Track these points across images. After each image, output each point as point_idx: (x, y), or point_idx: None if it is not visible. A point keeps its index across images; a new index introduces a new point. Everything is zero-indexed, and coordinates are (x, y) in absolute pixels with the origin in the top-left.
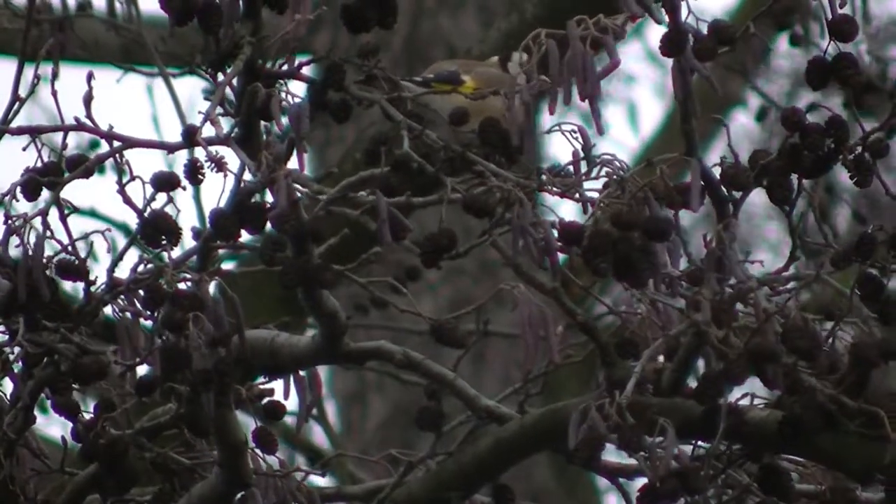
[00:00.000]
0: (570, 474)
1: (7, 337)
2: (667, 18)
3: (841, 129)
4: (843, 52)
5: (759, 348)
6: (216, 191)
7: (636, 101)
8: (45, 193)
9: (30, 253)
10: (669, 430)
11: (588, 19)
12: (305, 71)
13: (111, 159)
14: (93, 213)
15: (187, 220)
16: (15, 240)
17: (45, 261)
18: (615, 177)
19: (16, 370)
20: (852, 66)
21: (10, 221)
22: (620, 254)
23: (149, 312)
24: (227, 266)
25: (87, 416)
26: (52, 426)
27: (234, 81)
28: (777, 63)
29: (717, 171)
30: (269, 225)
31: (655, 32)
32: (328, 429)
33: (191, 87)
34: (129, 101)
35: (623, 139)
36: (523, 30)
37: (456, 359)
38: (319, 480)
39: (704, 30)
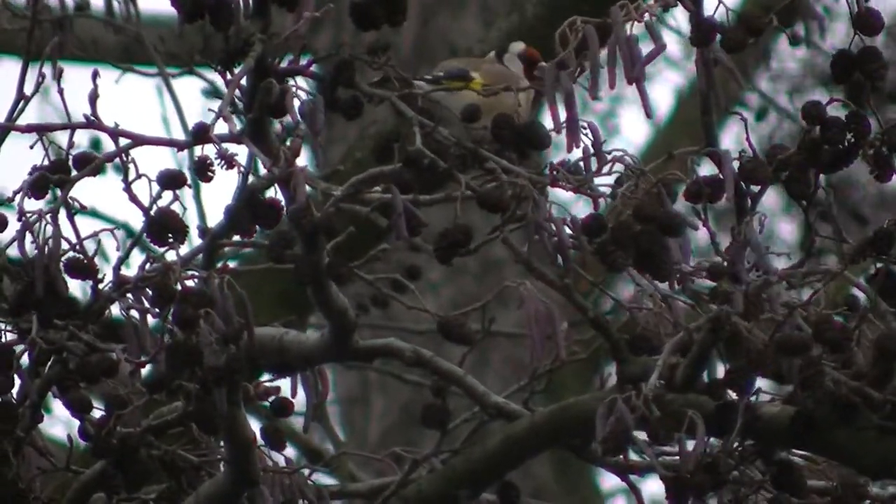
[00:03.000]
0: (571, 473)
1: (16, 335)
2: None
3: (861, 123)
4: (869, 46)
5: (789, 339)
6: (218, 189)
7: (653, 96)
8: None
9: (46, 248)
10: (699, 424)
11: (629, 4)
12: (313, 69)
13: (115, 158)
14: (94, 214)
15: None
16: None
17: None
18: (631, 171)
19: (24, 368)
20: (877, 59)
21: (24, 217)
22: (643, 247)
23: (157, 310)
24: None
25: (98, 414)
26: (56, 426)
27: (244, 79)
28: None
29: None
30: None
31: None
32: (330, 429)
33: (191, 87)
34: (133, 101)
35: (630, 136)
36: (524, 29)
37: (461, 357)
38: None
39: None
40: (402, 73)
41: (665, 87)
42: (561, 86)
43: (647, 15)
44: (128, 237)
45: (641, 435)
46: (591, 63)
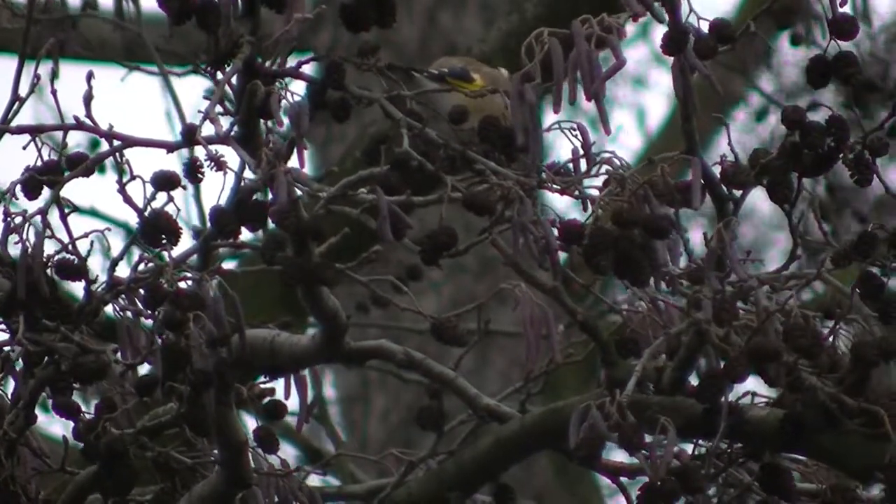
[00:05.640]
0: (571, 472)
1: (7, 336)
2: (667, 17)
3: (841, 127)
4: (844, 51)
5: (760, 347)
6: (216, 190)
7: (644, 103)
8: (46, 192)
9: (29, 251)
10: (670, 430)
11: (592, 18)
12: (305, 69)
13: (112, 158)
14: (93, 213)
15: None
16: (14, 238)
17: (45, 259)
18: (615, 174)
19: (17, 369)
20: (852, 64)
21: (9, 219)
22: (621, 252)
23: (149, 312)
24: (228, 265)
25: (88, 416)
26: (55, 424)
27: (234, 80)
28: (781, 61)
29: (717, 170)
30: (270, 223)
31: (660, 32)
32: (331, 429)
33: (197, 86)
34: (140, 98)
35: (631, 142)
36: (523, 29)
37: (458, 357)
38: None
39: (705, 28)
40: (404, 66)
41: (663, 86)
42: (525, 98)
43: (612, 28)
44: (127, 236)
45: None
46: (554, 77)
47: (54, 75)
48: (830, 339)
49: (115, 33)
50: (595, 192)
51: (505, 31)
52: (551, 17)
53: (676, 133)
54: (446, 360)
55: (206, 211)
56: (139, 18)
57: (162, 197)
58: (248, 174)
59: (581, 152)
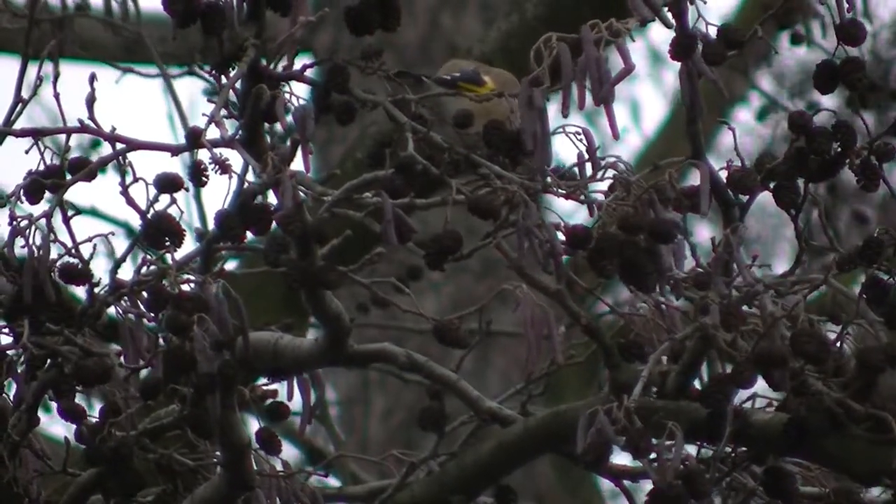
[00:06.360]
0: (573, 474)
1: (11, 339)
2: (674, 22)
3: (847, 132)
4: (851, 56)
5: (767, 352)
6: (219, 192)
7: (638, 97)
8: (48, 194)
9: (35, 254)
10: (678, 434)
11: (601, 23)
12: (308, 72)
13: (109, 163)
14: (94, 213)
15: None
16: (19, 241)
17: (49, 263)
18: (620, 179)
19: (19, 372)
20: (859, 70)
21: (15, 222)
22: (627, 257)
23: (152, 314)
24: (230, 267)
25: (92, 420)
26: (56, 425)
27: (238, 84)
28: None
29: (723, 175)
30: (273, 226)
31: (657, 30)
32: (332, 430)
33: (196, 86)
34: (140, 98)
35: (626, 136)
36: (523, 30)
37: (459, 358)
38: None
39: (709, 32)
40: (414, 73)
41: (656, 79)
42: (533, 104)
43: (621, 32)
44: (129, 236)
45: None
46: (563, 81)
47: (56, 78)
48: (837, 343)
49: (111, 34)
50: (600, 197)
51: (505, 32)
52: (551, 18)
53: (676, 133)
54: (448, 361)
55: (208, 213)
56: (139, 18)
57: (165, 199)
58: (250, 177)
59: (586, 156)
